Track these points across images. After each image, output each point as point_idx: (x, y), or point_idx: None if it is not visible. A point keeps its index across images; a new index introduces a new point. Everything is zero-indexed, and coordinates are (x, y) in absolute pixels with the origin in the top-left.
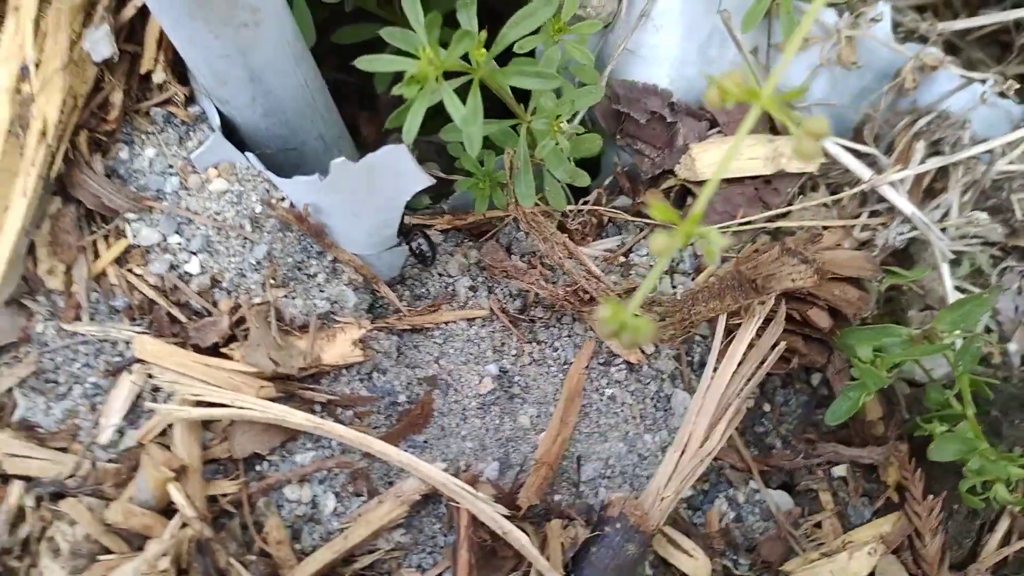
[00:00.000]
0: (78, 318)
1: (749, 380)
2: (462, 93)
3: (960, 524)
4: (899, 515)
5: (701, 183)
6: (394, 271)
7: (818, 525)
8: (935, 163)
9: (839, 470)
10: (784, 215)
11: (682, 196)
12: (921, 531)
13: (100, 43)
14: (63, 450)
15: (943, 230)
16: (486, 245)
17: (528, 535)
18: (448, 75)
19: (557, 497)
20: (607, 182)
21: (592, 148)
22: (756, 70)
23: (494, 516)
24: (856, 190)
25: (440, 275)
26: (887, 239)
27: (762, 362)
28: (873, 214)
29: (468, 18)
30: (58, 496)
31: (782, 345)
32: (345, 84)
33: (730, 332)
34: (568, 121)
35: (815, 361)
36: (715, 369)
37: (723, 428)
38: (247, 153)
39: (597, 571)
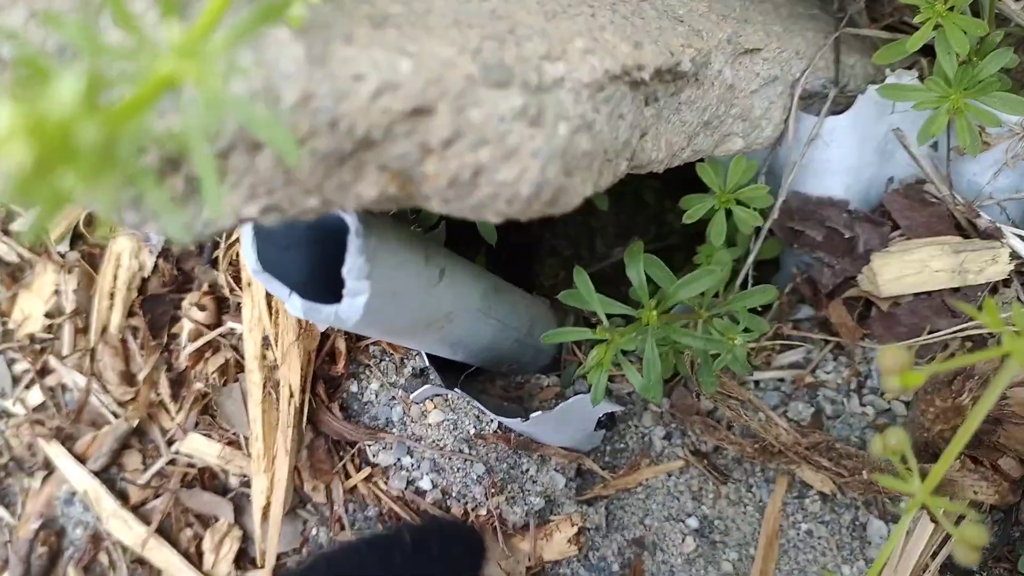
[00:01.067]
0: (342, 526)
1: (938, 547)
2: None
3: None
4: None
5: (885, 299)
6: (595, 443)
7: None
8: None
9: None
10: (973, 325)
11: (868, 305)
12: None
13: None
14: None
15: None
16: (675, 392)
17: None
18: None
19: None
20: (787, 289)
21: (768, 298)
22: (935, 178)
23: None
24: None
25: (635, 427)
26: None
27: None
28: None
29: (637, 275)
30: None
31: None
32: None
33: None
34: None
35: (1008, 502)
36: (911, 528)
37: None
38: (456, 389)
39: None
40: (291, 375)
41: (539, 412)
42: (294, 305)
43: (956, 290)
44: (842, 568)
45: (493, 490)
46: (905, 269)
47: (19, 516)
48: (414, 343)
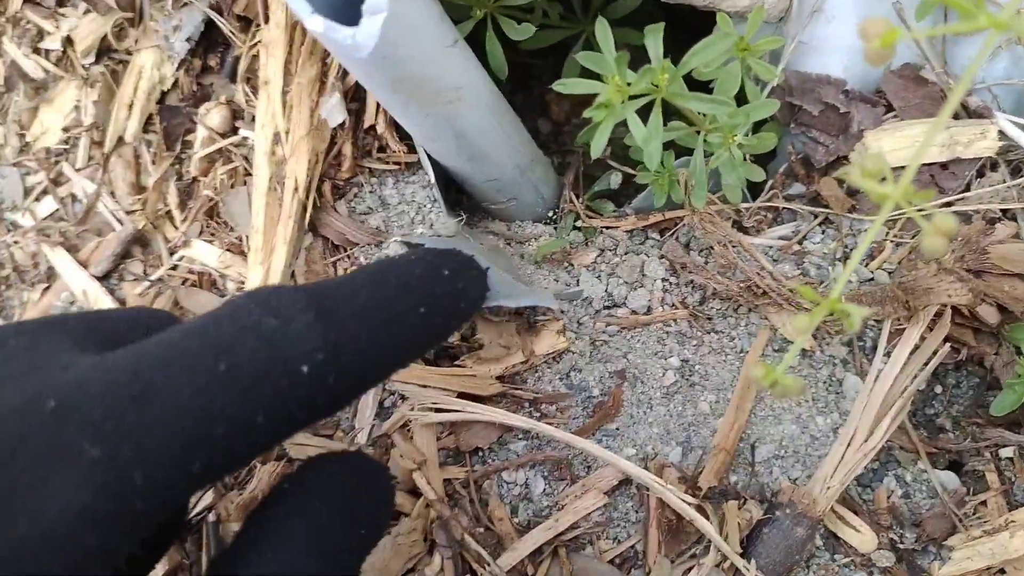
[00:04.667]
0: None
1: (914, 379)
2: (645, 112)
3: None
4: None
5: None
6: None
7: (983, 503)
8: None
9: (1007, 451)
10: (959, 200)
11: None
12: None
13: (335, 110)
14: (330, 437)
15: None
16: (667, 243)
17: (708, 516)
18: (632, 97)
19: (734, 478)
20: (782, 168)
21: (767, 146)
22: (931, 56)
23: (679, 503)
24: None
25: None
26: None
27: (926, 363)
28: None
29: (655, 46)
30: None
31: (946, 347)
32: (538, 67)
33: (899, 332)
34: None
35: (984, 352)
36: (879, 371)
37: (887, 425)
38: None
39: (769, 550)
40: (298, 169)
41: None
42: (315, 23)
43: (944, 167)
44: (816, 419)
45: None
46: (897, 144)
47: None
48: (422, 121)
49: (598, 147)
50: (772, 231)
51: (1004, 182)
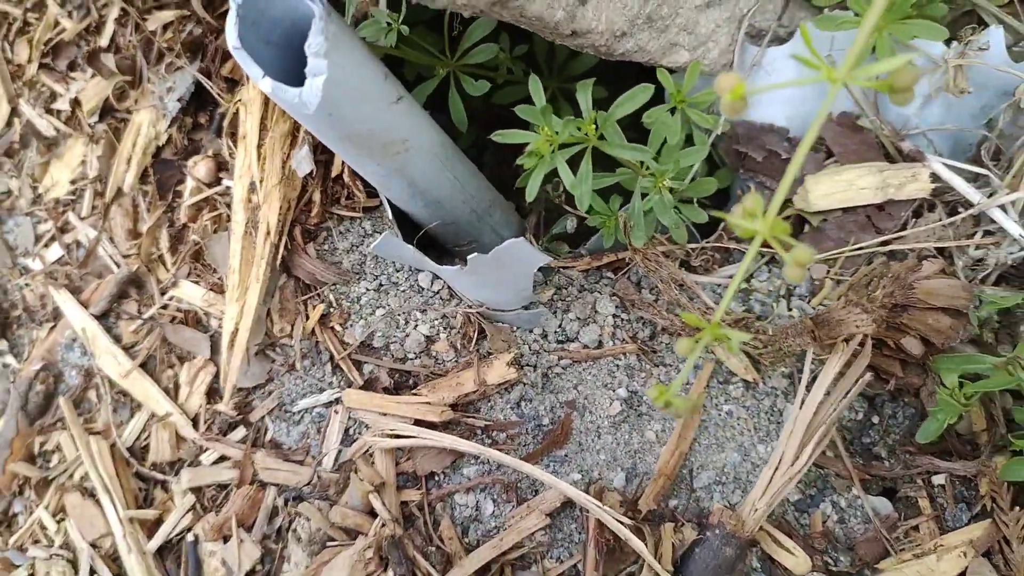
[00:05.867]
0: (300, 363)
1: (837, 406)
2: (578, 158)
3: None
4: (990, 522)
5: (816, 213)
6: (533, 325)
7: (916, 528)
8: None
9: (939, 478)
10: (896, 239)
11: (800, 223)
12: (1009, 538)
13: (303, 161)
14: (300, 463)
15: None
16: (619, 281)
17: (644, 538)
18: (564, 145)
19: (673, 502)
20: (730, 209)
21: (708, 190)
22: (865, 107)
23: (616, 524)
24: (966, 214)
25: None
26: (998, 259)
27: (847, 392)
28: (987, 234)
29: (585, 99)
30: (298, 499)
31: (867, 376)
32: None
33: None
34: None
35: (912, 384)
36: (803, 401)
37: (811, 450)
38: (411, 245)
39: (699, 569)
40: (270, 214)
41: (475, 255)
42: (265, 84)
43: (881, 208)
44: (757, 447)
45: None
46: (834, 187)
47: (24, 362)
48: (375, 170)
49: (532, 191)
50: (722, 270)
51: (939, 221)
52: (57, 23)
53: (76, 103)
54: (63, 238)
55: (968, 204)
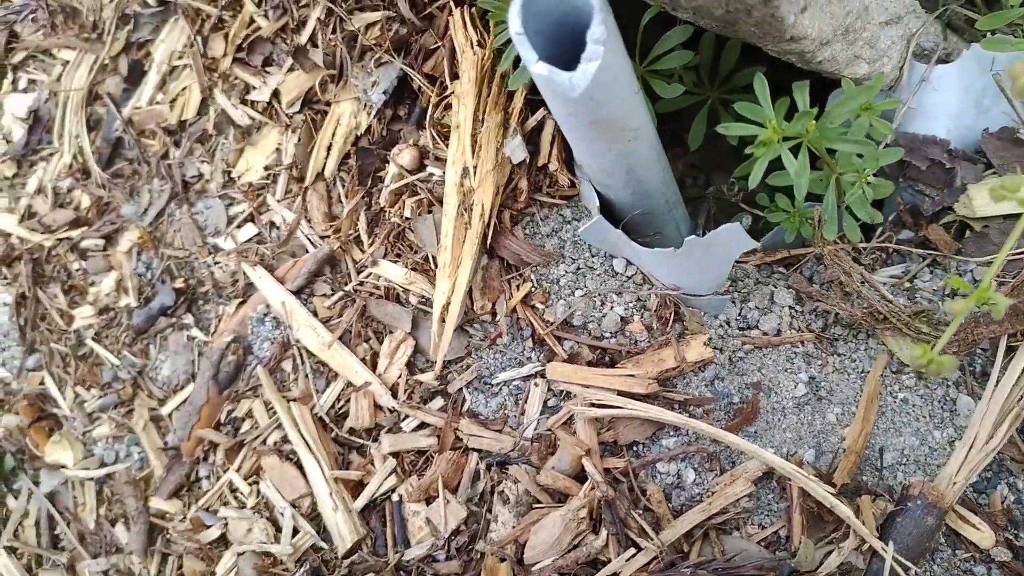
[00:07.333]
0: (501, 338)
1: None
2: (793, 152)
3: None
4: None
5: (978, 219)
6: (719, 311)
7: None
8: None
9: None
10: None
11: (960, 230)
12: None
13: (517, 149)
14: (499, 431)
15: None
16: (793, 275)
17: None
18: (784, 139)
19: (864, 478)
20: (891, 216)
21: (885, 192)
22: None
23: (821, 491)
24: None
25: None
26: None
27: None
28: None
29: (803, 99)
30: (503, 464)
31: None
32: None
33: (1011, 349)
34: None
35: None
36: (998, 381)
37: (1004, 430)
38: (618, 229)
39: (903, 536)
40: (484, 197)
41: (692, 237)
42: (540, 67)
43: None
44: (933, 433)
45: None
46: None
47: (212, 334)
48: (604, 155)
49: (755, 178)
50: (884, 270)
51: None
52: (252, 21)
53: (275, 94)
54: (259, 219)
55: None
